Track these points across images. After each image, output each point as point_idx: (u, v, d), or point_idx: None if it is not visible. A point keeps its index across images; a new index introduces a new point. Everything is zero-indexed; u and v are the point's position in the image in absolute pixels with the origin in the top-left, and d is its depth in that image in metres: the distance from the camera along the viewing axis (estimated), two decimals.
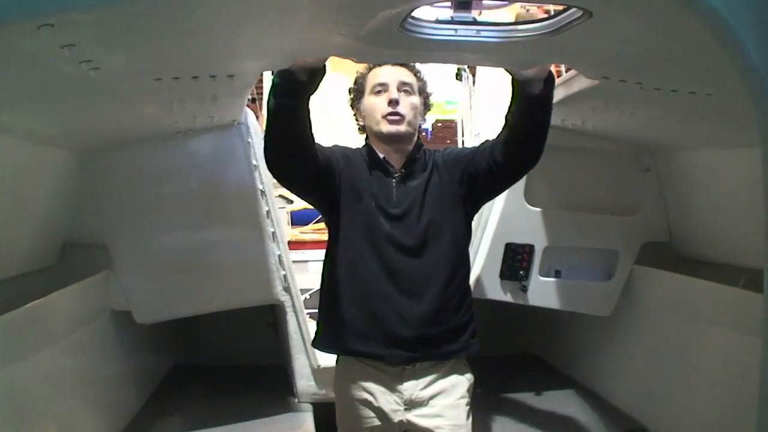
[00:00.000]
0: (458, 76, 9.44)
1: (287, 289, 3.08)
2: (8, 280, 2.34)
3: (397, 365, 2.19)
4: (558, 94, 2.46)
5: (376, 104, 2.26)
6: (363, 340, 2.20)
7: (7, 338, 2.05)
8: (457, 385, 2.24)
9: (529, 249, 3.12)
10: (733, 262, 2.74)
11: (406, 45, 1.66)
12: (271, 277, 3.01)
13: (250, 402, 3.20)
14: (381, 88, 2.25)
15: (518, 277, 3.14)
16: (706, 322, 2.71)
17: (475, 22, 1.65)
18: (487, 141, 2.25)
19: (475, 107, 9.30)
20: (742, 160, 2.57)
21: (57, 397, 2.36)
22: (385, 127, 2.23)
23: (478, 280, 3.12)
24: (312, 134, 2.10)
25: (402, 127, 2.23)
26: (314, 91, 2.02)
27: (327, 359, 3.22)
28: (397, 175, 2.26)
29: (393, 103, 2.22)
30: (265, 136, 2.10)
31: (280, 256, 3.00)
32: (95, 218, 2.83)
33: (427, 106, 2.37)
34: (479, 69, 9.73)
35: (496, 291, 3.17)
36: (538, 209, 3.07)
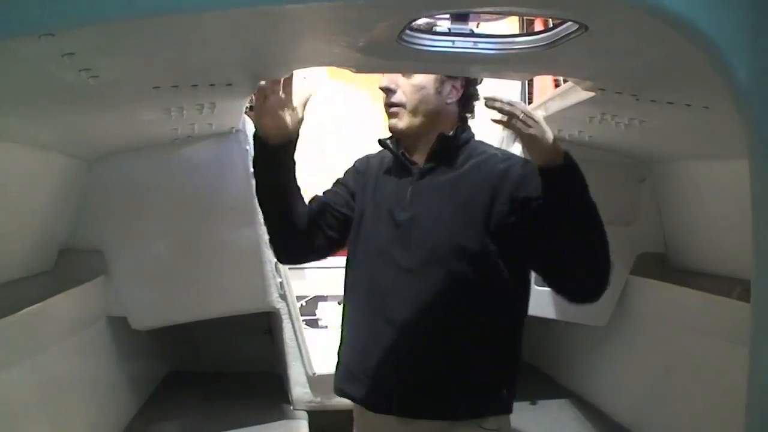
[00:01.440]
0: None
1: (283, 297, 3.08)
2: (5, 285, 2.34)
3: (380, 413, 1.82)
4: (554, 106, 2.48)
5: (384, 81, 1.90)
6: (348, 380, 1.88)
7: (3, 343, 2.05)
8: None
9: None
10: (728, 273, 2.75)
11: (404, 56, 1.67)
12: (267, 284, 3.02)
13: (246, 409, 3.19)
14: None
15: None
16: (701, 332, 2.72)
17: (472, 34, 1.66)
18: None
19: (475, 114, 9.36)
20: (737, 172, 2.55)
21: (52, 402, 2.36)
22: (388, 121, 1.89)
23: None
24: (305, 210, 1.88)
25: (401, 121, 1.86)
26: (288, 161, 1.84)
27: (322, 367, 3.23)
28: (416, 172, 1.88)
29: (385, 91, 1.87)
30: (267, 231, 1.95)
31: (276, 263, 3.01)
32: (92, 224, 2.83)
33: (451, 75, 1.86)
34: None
35: None
36: None
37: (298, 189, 1.91)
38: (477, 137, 2.01)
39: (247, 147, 2.84)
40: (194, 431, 2.94)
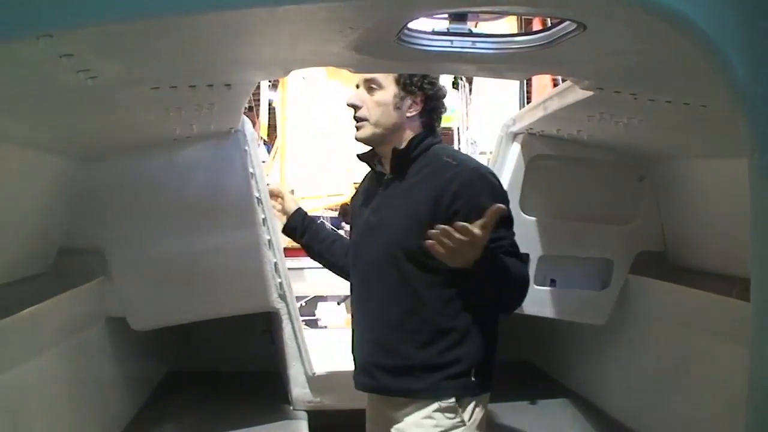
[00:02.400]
0: (455, 85, 9.51)
1: (283, 297, 3.08)
2: (3, 286, 2.34)
3: (366, 392, 2.18)
4: (553, 105, 2.48)
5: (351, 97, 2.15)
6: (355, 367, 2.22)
7: (2, 344, 2.05)
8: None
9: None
10: (727, 272, 2.75)
11: (403, 56, 1.67)
12: (266, 284, 3.01)
13: (245, 409, 3.19)
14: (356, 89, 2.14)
15: None
16: (701, 331, 2.72)
17: (470, 34, 1.66)
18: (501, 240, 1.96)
19: (472, 116, 9.36)
20: (736, 170, 2.56)
21: (51, 403, 2.36)
22: (356, 132, 2.14)
23: None
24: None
25: (365, 132, 2.10)
26: (302, 239, 2.48)
27: (322, 367, 3.23)
28: (386, 178, 2.15)
29: (352, 107, 2.11)
30: None
31: (276, 263, 3.01)
32: (91, 224, 2.83)
33: (411, 92, 2.08)
34: (476, 78, 9.79)
35: None
36: (533, 218, 3.08)
37: (330, 245, 2.46)
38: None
39: (246, 147, 2.84)
40: (193, 431, 2.93)
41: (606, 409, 3.26)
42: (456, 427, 2.01)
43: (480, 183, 2.00)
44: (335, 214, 11.49)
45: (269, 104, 15.29)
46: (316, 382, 3.19)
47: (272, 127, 15.37)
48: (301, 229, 2.54)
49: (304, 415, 3.20)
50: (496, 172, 3.02)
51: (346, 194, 10.25)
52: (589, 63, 1.79)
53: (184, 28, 1.34)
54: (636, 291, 3.18)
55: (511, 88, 8.52)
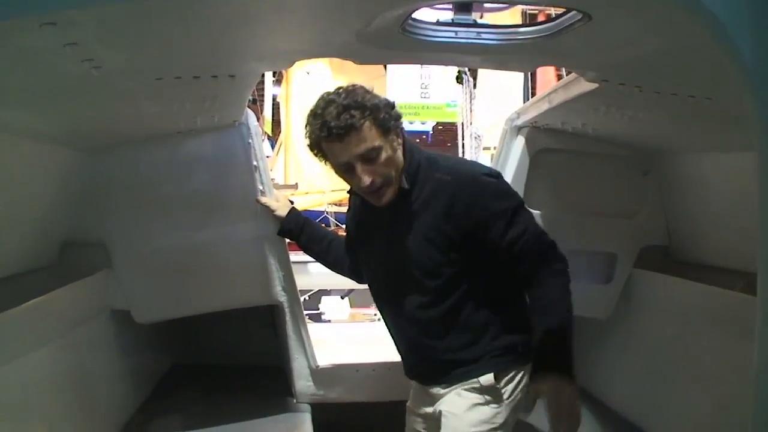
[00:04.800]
0: (459, 79, 9.49)
1: (286, 290, 3.08)
2: (7, 279, 2.34)
3: (414, 380, 2.39)
4: (558, 98, 2.47)
5: (352, 182, 2.10)
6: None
7: (6, 336, 2.05)
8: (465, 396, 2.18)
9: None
10: (731, 266, 2.74)
11: (407, 46, 1.67)
12: (270, 277, 3.01)
13: (249, 402, 3.19)
14: (345, 168, 2.05)
15: None
16: (705, 325, 2.72)
17: (475, 24, 1.66)
18: (511, 239, 2.07)
19: (476, 110, 9.34)
20: (741, 164, 2.57)
21: (55, 395, 2.36)
22: (376, 202, 2.12)
23: None
24: (338, 256, 2.63)
25: (390, 195, 2.08)
26: (297, 238, 2.79)
27: (325, 360, 3.23)
28: (384, 211, 2.16)
29: (369, 185, 2.04)
30: None
31: (279, 256, 3.01)
32: (95, 217, 2.83)
33: (391, 128, 2.03)
34: (480, 72, 9.79)
35: None
36: (538, 212, 3.07)
37: (329, 245, 2.72)
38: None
39: (250, 140, 2.83)
40: (197, 424, 2.93)
41: (609, 402, 3.26)
42: (498, 398, 2.14)
43: (481, 190, 2.07)
44: (339, 209, 11.50)
45: (273, 99, 15.30)
46: (319, 375, 3.20)
47: (276, 123, 15.39)
48: (298, 229, 2.78)
49: (308, 408, 3.20)
50: (500, 166, 3.04)
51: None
52: (594, 54, 1.78)
53: (188, 17, 1.34)
54: (640, 285, 3.17)
55: (515, 83, 8.51)
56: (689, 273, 2.94)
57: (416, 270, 2.13)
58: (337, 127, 1.93)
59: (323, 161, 2.09)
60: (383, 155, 2.01)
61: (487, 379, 2.13)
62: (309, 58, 1.86)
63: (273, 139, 16.63)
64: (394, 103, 2.08)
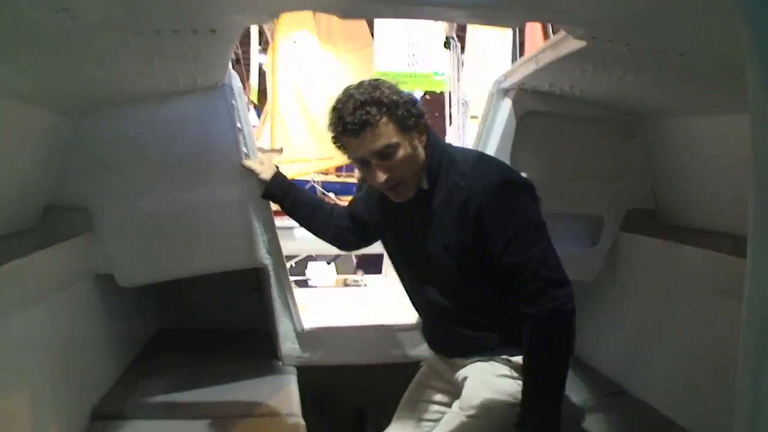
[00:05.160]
0: (446, 44, 9.42)
1: (271, 253, 3.06)
2: None
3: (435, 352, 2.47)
4: (545, 58, 2.45)
5: (367, 175, 2.12)
6: (426, 336, 2.53)
7: None
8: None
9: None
10: (718, 229, 2.74)
11: (394, 1, 1.64)
12: (255, 240, 2.99)
13: (235, 365, 3.19)
14: (361, 163, 2.09)
15: None
16: (691, 287, 2.73)
17: None
18: (519, 263, 2.04)
19: (464, 76, 9.29)
20: (727, 127, 2.57)
21: (38, 357, 2.34)
22: (393, 198, 2.14)
23: None
24: (325, 221, 2.68)
25: (408, 193, 2.11)
26: (282, 202, 2.77)
27: (311, 322, 3.23)
28: (403, 209, 2.19)
29: (385, 181, 2.06)
30: None
31: (264, 219, 2.98)
32: (78, 180, 2.78)
33: (413, 126, 2.06)
34: (468, 38, 9.72)
35: None
36: (524, 175, 3.06)
37: (313, 211, 2.74)
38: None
39: (234, 102, 2.79)
40: (183, 387, 2.92)
41: (594, 365, 3.28)
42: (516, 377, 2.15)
43: (492, 200, 2.03)
44: (326, 177, 11.47)
45: (259, 68, 15.14)
46: (305, 337, 3.20)
47: (262, 92, 15.24)
48: (282, 194, 2.79)
49: (294, 370, 3.20)
50: (486, 129, 3.02)
51: (335, 158, 10.23)
52: (582, 8, 1.75)
53: None
54: (626, 248, 3.18)
55: (503, 51, 8.48)
56: (675, 236, 2.95)
57: (437, 269, 2.16)
58: (351, 122, 1.96)
59: (344, 154, 2.12)
60: (400, 153, 2.02)
61: (518, 359, 2.13)
62: (292, 11, 1.83)
63: (259, 108, 16.51)
64: (417, 100, 2.10)
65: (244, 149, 2.84)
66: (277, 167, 2.89)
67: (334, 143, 2.10)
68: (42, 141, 2.53)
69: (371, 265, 8.41)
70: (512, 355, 2.15)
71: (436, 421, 2.31)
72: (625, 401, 2.92)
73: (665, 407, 2.70)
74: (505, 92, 2.97)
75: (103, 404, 2.74)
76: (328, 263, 6.66)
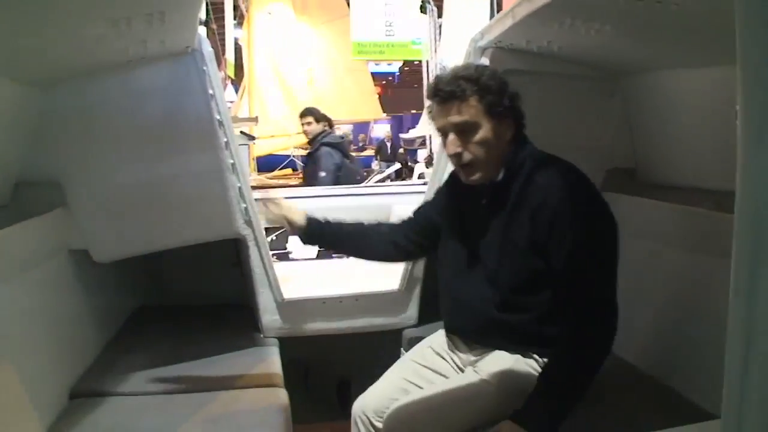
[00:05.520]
0: (422, 9, 9.35)
1: (249, 223, 3.01)
2: None
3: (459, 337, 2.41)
4: (522, 11, 2.40)
5: (444, 146, 2.15)
6: (452, 319, 2.44)
7: None
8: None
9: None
10: (699, 185, 2.73)
11: None
12: (231, 210, 2.94)
13: (216, 338, 3.15)
14: (441, 132, 2.15)
15: None
16: (674, 244, 2.71)
17: None
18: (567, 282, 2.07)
19: (442, 41, 9.22)
20: (707, 81, 2.54)
21: (11, 336, 2.29)
22: (462, 177, 2.19)
23: None
24: (375, 242, 2.53)
25: (480, 177, 2.14)
26: (325, 237, 2.56)
27: (292, 293, 3.19)
28: (482, 203, 2.21)
29: (454, 155, 2.12)
30: None
31: (240, 188, 2.93)
32: (48, 154, 2.72)
33: (503, 115, 2.13)
34: (445, 3, 9.63)
35: None
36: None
37: (358, 236, 2.56)
38: None
39: (205, 67, 2.72)
40: (163, 362, 2.88)
41: None
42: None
43: (566, 208, 2.05)
44: (304, 152, 11.38)
45: (235, 42, 14.95)
46: (285, 308, 3.16)
47: (239, 66, 15.08)
48: (320, 234, 2.57)
49: (275, 342, 3.17)
50: None
51: None
52: None
53: None
54: None
55: (481, 12, 8.40)
56: (656, 194, 2.93)
57: (498, 261, 2.15)
58: (443, 90, 2.06)
59: (431, 122, 2.18)
60: (480, 133, 2.07)
61: (545, 360, 2.16)
62: None
63: (236, 83, 16.33)
64: (516, 94, 2.18)
65: (218, 116, 2.78)
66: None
67: (428, 110, 2.18)
68: (9, 114, 2.45)
69: None
70: (541, 356, 2.18)
71: (425, 385, 2.30)
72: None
73: (646, 366, 2.69)
74: (482, 51, 2.92)
75: (81, 382, 2.69)
76: None
